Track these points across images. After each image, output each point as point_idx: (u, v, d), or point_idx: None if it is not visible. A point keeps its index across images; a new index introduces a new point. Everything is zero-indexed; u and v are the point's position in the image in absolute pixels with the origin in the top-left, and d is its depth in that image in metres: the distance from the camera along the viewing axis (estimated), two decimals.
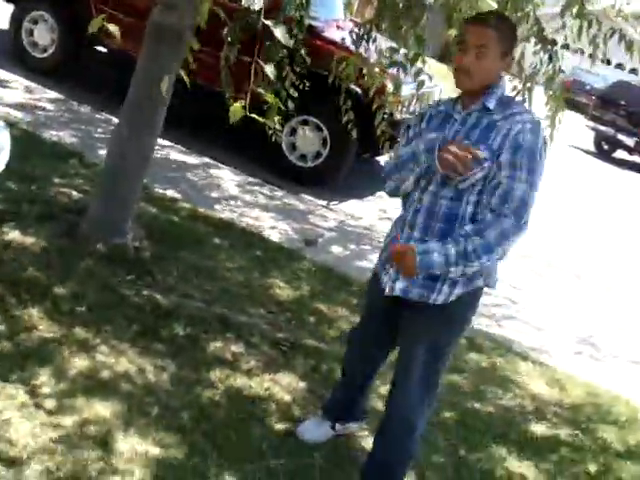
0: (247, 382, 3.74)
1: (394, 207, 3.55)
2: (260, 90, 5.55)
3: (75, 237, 4.56)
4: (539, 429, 4.19)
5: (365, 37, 5.70)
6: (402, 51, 4.96)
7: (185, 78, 3.65)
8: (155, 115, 4.49)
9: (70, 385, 3.32)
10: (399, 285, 2.94)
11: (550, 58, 5.13)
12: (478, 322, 5.48)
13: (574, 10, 4.13)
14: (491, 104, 2.86)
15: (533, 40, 5.22)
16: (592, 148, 18.77)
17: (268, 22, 3.55)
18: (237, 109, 3.22)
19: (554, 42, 5.19)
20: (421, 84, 5.01)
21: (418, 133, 3.01)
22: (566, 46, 5.28)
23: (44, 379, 3.31)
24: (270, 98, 3.27)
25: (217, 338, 4.05)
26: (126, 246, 4.60)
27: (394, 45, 5.33)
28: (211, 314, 4.24)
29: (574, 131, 5.35)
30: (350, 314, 4.80)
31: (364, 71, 5.78)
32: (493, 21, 2.85)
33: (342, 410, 3.54)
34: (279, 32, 3.29)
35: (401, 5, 5.35)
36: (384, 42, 6.26)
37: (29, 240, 4.41)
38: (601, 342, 5.92)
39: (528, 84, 5.14)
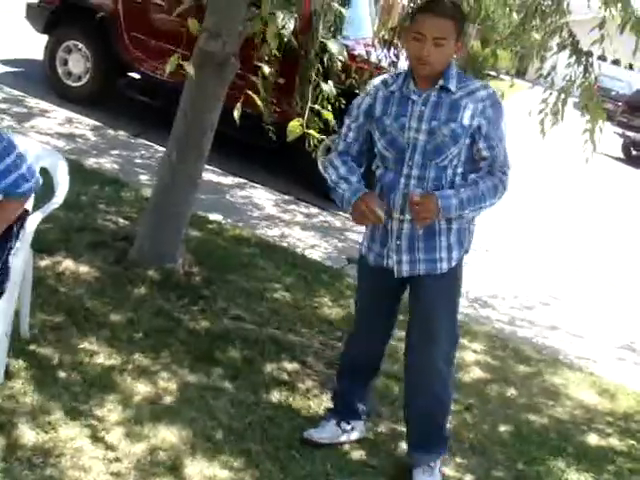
0: (306, 402, 3.79)
1: None
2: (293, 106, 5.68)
3: (126, 264, 4.65)
4: (594, 440, 4.21)
5: (389, 49, 5.79)
6: None
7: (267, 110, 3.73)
8: (203, 140, 4.57)
9: (136, 412, 3.38)
10: (405, 267, 3.17)
11: (585, 70, 5.16)
12: (523, 333, 5.53)
13: (628, 26, 4.14)
14: (452, 85, 3.05)
15: (567, 51, 5.26)
16: (620, 154, 18.72)
17: (324, 39, 3.62)
18: (295, 127, 3.30)
19: (589, 53, 5.22)
20: None
21: (368, 121, 3.17)
22: (602, 57, 5.30)
23: (110, 407, 3.37)
24: (327, 115, 3.36)
25: (272, 359, 4.10)
26: (177, 271, 4.68)
27: None
28: (264, 336, 4.30)
29: (601, 138, 5.43)
30: (399, 329, 4.83)
31: None
32: (449, 11, 2.99)
33: (346, 407, 3.60)
34: (335, 46, 3.36)
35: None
36: None
37: (82, 269, 4.50)
38: None
39: (562, 96, 5.16)
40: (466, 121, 3.03)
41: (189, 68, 3.50)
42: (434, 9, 2.99)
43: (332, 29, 5.79)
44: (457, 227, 3.17)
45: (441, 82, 3.04)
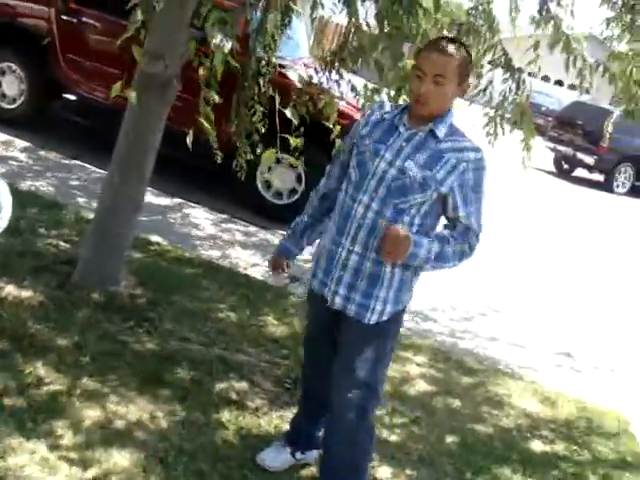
0: (256, 421, 3.81)
1: None
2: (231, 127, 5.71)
3: (69, 288, 4.61)
4: (538, 447, 4.32)
5: (329, 70, 5.86)
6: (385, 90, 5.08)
7: (212, 132, 3.75)
8: (145, 162, 4.57)
9: (86, 437, 3.36)
10: (338, 300, 3.05)
11: (517, 86, 5.32)
12: (464, 345, 5.64)
13: (559, 46, 4.29)
14: (440, 132, 2.91)
15: (501, 69, 5.42)
16: (552, 168, 19.22)
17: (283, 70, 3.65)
18: (270, 155, 3.33)
19: (520, 69, 5.39)
20: None
21: (356, 143, 3.07)
22: (533, 74, 5.47)
23: (60, 432, 3.34)
24: (294, 141, 3.41)
25: (221, 379, 4.11)
26: (120, 294, 4.66)
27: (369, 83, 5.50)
28: (211, 356, 4.31)
29: (533, 152, 5.63)
30: None
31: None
32: (452, 49, 2.86)
33: (302, 437, 3.55)
34: (294, 75, 3.39)
35: (355, 41, 5.52)
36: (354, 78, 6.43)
37: (24, 294, 4.45)
38: (579, 354, 6.14)
39: (499, 112, 5.32)
40: (441, 175, 2.89)
41: (130, 95, 3.51)
42: (437, 46, 2.89)
43: (268, 49, 5.86)
44: (400, 277, 3.01)
45: (431, 125, 2.91)
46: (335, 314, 3.12)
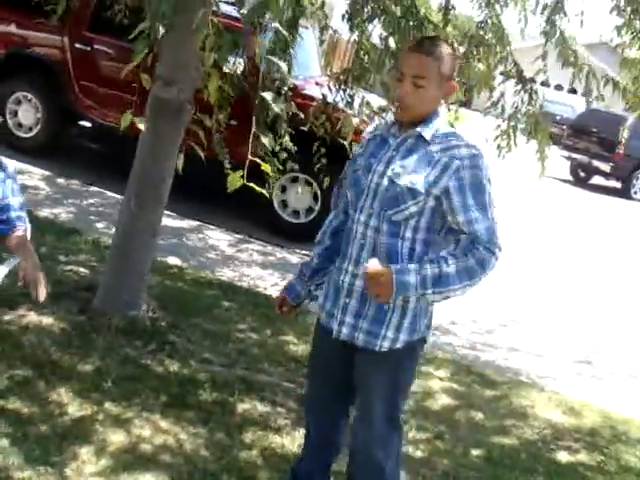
0: (280, 441, 3.81)
1: None
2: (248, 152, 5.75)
3: (90, 313, 4.65)
4: (564, 458, 4.30)
5: (343, 89, 5.90)
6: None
7: (200, 153, 3.78)
8: (161, 187, 4.61)
9: (111, 462, 3.38)
10: (344, 330, 2.82)
11: (530, 97, 5.33)
12: (486, 357, 5.62)
13: (569, 60, 4.32)
14: (427, 134, 2.72)
15: (513, 80, 5.44)
16: (568, 177, 19.17)
17: (265, 94, 3.70)
18: (235, 178, 3.33)
19: (532, 80, 5.40)
20: None
21: (352, 162, 2.94)
22: (545, 83, 5.49)
23: (85, 458, 3.36)
24: (266, 168, 3.37)
25: (243, 400, 4.12)
26: (141, 318, 4.69)
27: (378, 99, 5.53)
28: (233, 377, 4.32)
29: (549, 161, 5.64)
30: None
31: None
32: (430, 48, 2.71)
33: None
34: (269, 97, 3.39)
35: (368, 57, 5.56)
36: (366, 95, 6.47)
37: (46, 321, 4.49)
38: (598, 361, 6.13)
39: (512, 123, 5.33)
40: (432, 177, 2.67)
41: (141, 124, 3.55)
42: (415, 47, 2.76)
43: (277, 71, 5.90)
44: (414, 306, 2.77)
45: (418, 128, 2.73)
46: (344, 349, 2.88)
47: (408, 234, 2.73)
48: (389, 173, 2.72)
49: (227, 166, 5.00)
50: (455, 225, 2.70)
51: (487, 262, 2.67)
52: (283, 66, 4.89)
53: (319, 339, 3.07)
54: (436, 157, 2.69)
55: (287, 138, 5.46)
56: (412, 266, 2.66)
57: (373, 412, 2.90)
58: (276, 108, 3.26)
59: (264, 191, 4.23)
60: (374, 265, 2.65)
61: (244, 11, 3.17)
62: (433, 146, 2.71)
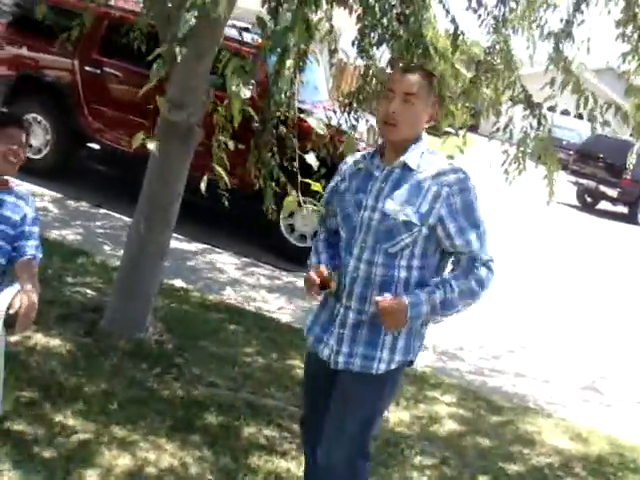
0: (285, 465, 3.79)
1: None
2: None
3: (97, 335, 4.65)
4: None
5: (349, 112, 5.92)
6: None
7: (225, 176, 3.80)
8: (170, 209, 4.63)
9: None
10: (340, 359, 2.79)
11: (539, 122, 5.34)
12: (493, 383, 5.60)
13: (569, 87, 4.34)
14: (413, 162, 2.74)
15: (521, 105, 5.45)
16: (575, 202, 19.16)
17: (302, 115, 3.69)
18: (290, 202, 3.35)
19: (540, 105, 5.42)
20: None
21: (339, 198, 2.89)
22: (552, 108, 5.51)
23: None
24: (317, 187, 3.37)
25: (249, 424, 4.11)
26: (148, 340, 4.70)
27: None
28: (239, 401, 4.31)
29: (557, 187, 5.68)
30: None
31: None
32: (422, 71, 2.81)
33: None
34: (313, 121, 3.41)
35: (375, 81, 5.59)
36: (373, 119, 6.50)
37: (53, 342, 4.50)
38: (606, 387, 6.11)
39: (521, 148, 5.34)
40: (425, 207, 2.69)
41: (151, 145, 3.57)
42: (406, 67, 2.85)
43: (287, 94, 5.93)
44: (408, 328, 2.78)
45: (402, 158, 2.74)
46: (334, 373, 2.86)
47: (403, 263, 2.75)
48: (380, 207, 2.74)
49: (223, 189, 5.00)
50: (452, 248, 2.76)
51: (486, 280, 2.76)
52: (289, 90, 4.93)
53: (308, 362, 3.08)
54: (425, 186, 2.71)
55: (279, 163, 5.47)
56: (423, 296, 2.70)
57: (347, 432, 2.85)
58: (317, 128, 3.29)
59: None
60: (387, 301, 2.68)
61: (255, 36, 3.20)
62: (420, 174, 2.73)
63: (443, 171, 2.73)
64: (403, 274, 2.75)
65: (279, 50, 3.15)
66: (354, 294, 2.78)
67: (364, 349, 2.78)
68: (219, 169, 4.31)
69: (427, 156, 2.78)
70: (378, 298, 2.69)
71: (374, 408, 2.90)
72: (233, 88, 3.20)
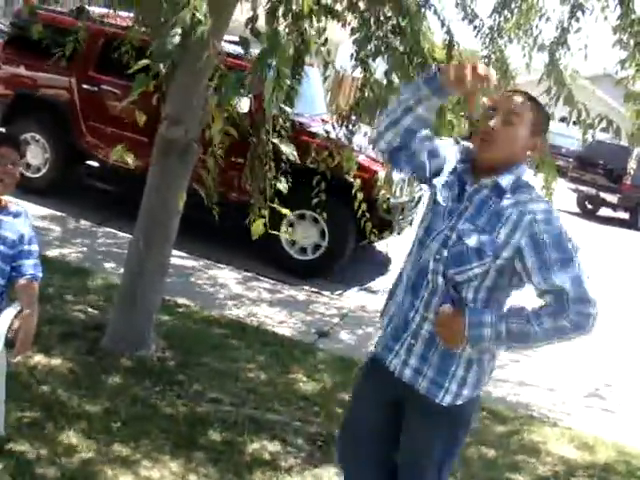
0: None
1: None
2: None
3: (99, 353, 4.64)
4: None
5: (348, 126, 5.92)
6: None
7: (201, 191, 3.79)
8: (169, 226, 4.63)
9: None
10: (407, 372, 2.62)
11: None
12: (497, 393, 5.57)
13: (562, 98, 4.35)
14: (505, 182, 2.52)
15: None
16: (576, 209, 19.16)
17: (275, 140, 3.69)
18: (258, 226, 3.34)
19: None
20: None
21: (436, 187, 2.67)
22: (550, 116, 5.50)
23: None
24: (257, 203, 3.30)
25: (253, 440, 4.09)
26: (150, 357, 4.69)
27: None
28: (243, 416, 4.29)
29: (556, 194, 5.65)
30: None
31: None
32: (531, 96, 2.61)
33: None
34: (285, 148, 3.38)
35: (372, 93, 5.58)
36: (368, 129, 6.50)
37: (54, 361, 4.49)
38: (609, 394, 6.09)
39: None
40: (502, 237, 2.47)
41: (130, 159, 3.57)
42: (517, 90, 2.65)
43: (284, 107, 5.93)
44: (478, 357, 2.59)
45: (494, 177, 2.52)
46: (397, 396, 2.71)
47: (470, 295, 2.55)
48: (459, 226, 2.54)
49: (212, 202, 5.00)
50: (536, 286, 2.52)
51: (581, 323, 2.49)
52: (287, 109, 4.92)
53: (369, 375, 2.85)
54: (506, 213, 2.49)
55: (285, 179, 5.44)
56: (488, 317, 2.50)
57: (420, 474, 2.71)
58: (287, 153, 3.26)
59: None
60: (445, 311, 2.52)
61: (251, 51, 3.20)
62: (507, 200, 2.51)
63: (529, 199, 2.52)
64: (470, 297, 2.55)
65: (263, 72, 3.09)
66: (432, 305, 2.58)
67: (434, 374, 2.59)
68: (210, 183, 4.33)
69: (521, 183, 2.56)
70: (441, 308, 2.53)
71: (445, 444, 2.69)
72: (214, 104, 3.18)
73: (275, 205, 4.14)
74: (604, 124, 4.78)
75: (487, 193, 2.54)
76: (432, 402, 2.59)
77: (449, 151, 2.72)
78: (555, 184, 5.33)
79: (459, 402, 2.60)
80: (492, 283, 2.55)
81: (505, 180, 2.52)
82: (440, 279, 2.55)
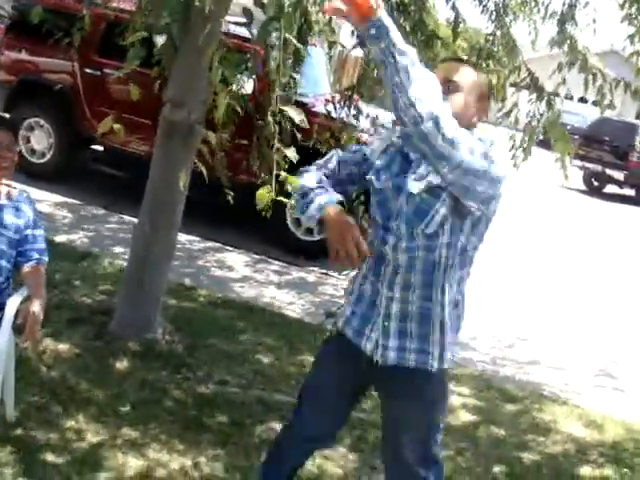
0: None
1: None
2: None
3: (106, 338, 4.64)
4: (587, 472, 4.24)
5: (348, 104, 5.88)
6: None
7: (204, 171, 3.76)
8: (175, 209, 4.61)
9: None
10: (391, 354, 2.57)
11: (549, 104, 5.28)
12: (506, 372, 5.57)
13: (576, 67, 4.29)
14: None
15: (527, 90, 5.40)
16: (582, 186, 19.08)
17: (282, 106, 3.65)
18: (262, 195, 3.29)
19: (555, 94, 5.36)
20: None
21: (371, 178, 2.65)
22: (555, 93, 5.45)
23: None
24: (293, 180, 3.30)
25: (261, 421, 4.09)
26: (158, 341, 4.68)
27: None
28: (250, 398, 4.30)
29: (560, 170, 5.62)
30: None
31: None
32: (466, 62, 2.65)
33: None
34: (293, 112, 3.33)
35: (376, 72, 5.54)
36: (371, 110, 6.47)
37: (62, 346, 4.49)
38: (620, 373, 6.08)
39: (528, 132, 5.28)
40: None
41: (118, 128, 3.52)
42: (452, 57, 2.71)
43: (288, 88, 5.90)
44: (454, 314, 2.61)
45: None
46: (371, 381, 2.75)
47: (445, 239, 2.51)
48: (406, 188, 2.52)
49: (226, 185, 4.98)
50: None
51: (435, 116, 2.23)
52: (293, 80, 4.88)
53: (337, 354, 2.80)
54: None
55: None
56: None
57: (410, 447, 2.70)
58: (296, 119, 3.20)
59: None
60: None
61: (254, 30, 3.16)
62: None
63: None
64: (444, 253, 2.52)
65: (265, 41, 3.04)
66: (396, 283, 2.55)
67: (417, 343, 2.56)
68: (220, 166, 4.30)
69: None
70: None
71: (440, 411, 2.73)
72: (218, 80, 3.14)
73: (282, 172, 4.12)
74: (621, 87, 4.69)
75: None
76: (423, 371, 2.58)
77: (364, 148, 2.73)
78: (569, 159, 5.27)
79: (445, 366, 2.61)
80: (452, 210, 2.48)
81: None
82: (402, 255, 2.53)
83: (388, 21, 2.23)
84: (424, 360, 2.57)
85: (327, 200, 2.56)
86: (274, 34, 3.07)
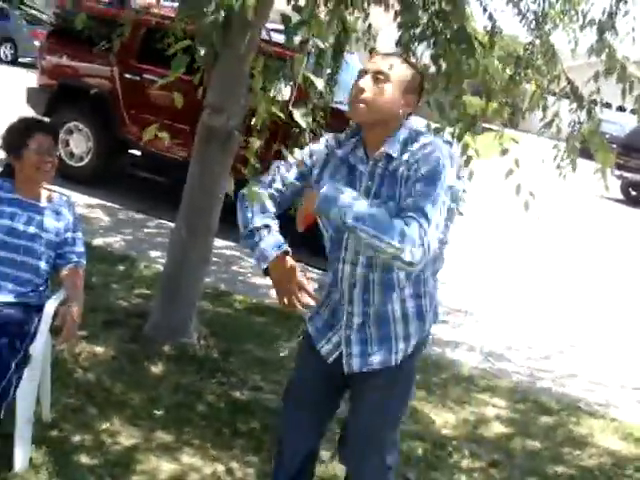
0: (332, 469, 3.75)
1: None
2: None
3: (142, 341, 4.66)
4: None
5: None
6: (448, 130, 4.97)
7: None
8: (212, 214, 4.63)
9: None
10: (355, 362, 2.69)
11: (589, 113, 5.20)
12: (542, 384, 5.51)
13: (614, 74, 4.25)
14: (394, 151, 2.53)
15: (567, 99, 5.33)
16: (620, 195, 18.87)
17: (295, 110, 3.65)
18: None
19: (594, 102, 5.28)
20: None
21: (308, 178, 2.71)
22: (594, 101, 5.38)
23: None
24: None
25: None
26: (193, 345, 4.70)
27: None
28: None
29: (600, 181, 5.54)
30: None
31: None
32: (397, 55, 2.71)
33: None
34: (299, 116, 3.31)
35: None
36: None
37: (98, 349, 4.52)
38: None
39: (572, 143, 5.21)
40: (403, 193, 2.50)
41: (164, 136, 3.53)
42: (382, 52, 2.74)
43: (323, 96, 5.90)
44: (415, 310, 2.68)
45: (382, 148, 2.54)
46: (343, 381, 2.81)
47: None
48: None
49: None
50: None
51: (410, 232, 2.38)
52: (319, 84, 4.86)
53: (309, 357, 2.88)
54: (399, 172, 2.52)
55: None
56: (347, 194, 2.45)
57: (381, 439, 2.80)
58: (302, 123, 3.18)
59: None
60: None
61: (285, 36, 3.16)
62: (397, 160, 2.53)
63: (414, 150, 2.51)
64: (402, 274, 2.60)
65: (295, 45, 3.02)
66: (355, 299, 2.65)
67: (378, 346, 2.67)
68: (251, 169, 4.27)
69: (413, 136, 2.56)
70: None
71: (400, 402, 2.84)
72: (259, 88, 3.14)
73: None
74: None
75: (383, 164, 2.56)
76: (387, 369, 2.68)
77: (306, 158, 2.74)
78: (610, 168, 5.19)
79: (410, 351, 2.69)
80: None
81: (393, 149, 2.54)
82: (360, 269, 2.60)
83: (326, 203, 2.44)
84: (386, 360, 2.67)
85: (270, 248, 2.60)
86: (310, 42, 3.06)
